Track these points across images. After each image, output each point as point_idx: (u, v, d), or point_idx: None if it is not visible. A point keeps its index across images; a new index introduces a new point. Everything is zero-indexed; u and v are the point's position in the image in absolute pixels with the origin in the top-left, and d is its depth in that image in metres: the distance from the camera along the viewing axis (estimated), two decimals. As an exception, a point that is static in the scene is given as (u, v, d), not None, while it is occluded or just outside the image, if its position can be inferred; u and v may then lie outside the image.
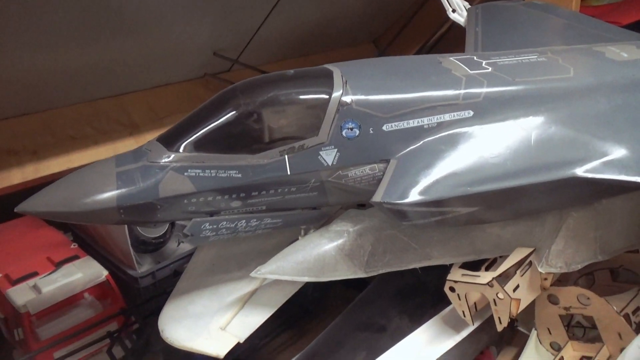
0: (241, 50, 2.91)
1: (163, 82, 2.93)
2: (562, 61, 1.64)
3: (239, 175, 1.38)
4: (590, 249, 1.67)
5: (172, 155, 1.38)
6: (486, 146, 1.44)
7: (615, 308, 1.66)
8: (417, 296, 1.83)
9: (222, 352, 1.50)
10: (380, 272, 1.60)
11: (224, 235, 1.49)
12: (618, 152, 1.44)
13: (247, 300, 1.65)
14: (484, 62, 1.59)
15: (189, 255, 2.13)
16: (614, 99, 1.57)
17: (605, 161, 1.42)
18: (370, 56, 3.33)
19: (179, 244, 2.44)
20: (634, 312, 1.71)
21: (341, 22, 3.25)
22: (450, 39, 3.20)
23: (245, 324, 1.60)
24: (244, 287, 1.68)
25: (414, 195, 1.37)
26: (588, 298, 1.68)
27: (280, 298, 1.67)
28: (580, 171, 1.40)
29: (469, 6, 2.53)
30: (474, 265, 1.72)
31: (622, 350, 1.60)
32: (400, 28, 3.49)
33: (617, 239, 1.71)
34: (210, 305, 1.64)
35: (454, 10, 2.37)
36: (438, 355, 1.66)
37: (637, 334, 1.62)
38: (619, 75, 1.63)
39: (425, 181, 1.39)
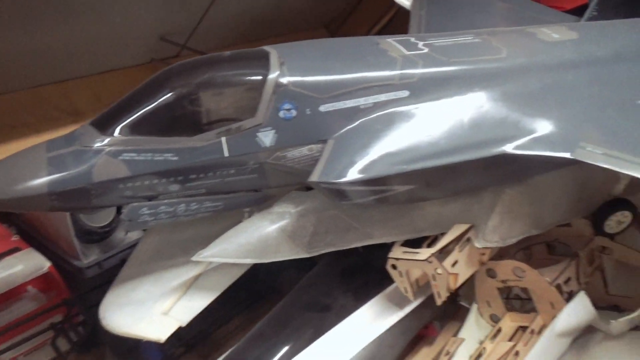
0: (189, 35, 2.86)
1: (108, 67, 2.84)
2: (495, 42, 1.69)
3: (176, 158, 1.38)
4: (524, 223, 1.75)
5: (106, 139, 1.36)
6: (421, 125, 1.47)
7: (547, 279, 1.75)
8: (361, 275, 1.87)
9: (164, 336, 1.50)
10: (323, 251, 1.63)
11: (163, 219, 1.48)
12: (546, 130, 1.51)
13: (190, 285, 1.65)
14: (420, 43, 1.62)
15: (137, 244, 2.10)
16: (544, 78, 1.63)
17: (533, 138, 1.48)
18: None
19: (126, 232, 2.40)
20: (565, 282, 1.81)
21: (293, 6, 3.24)
22: (400, 21, 3.24)
23: (188, 308, 1.60)
24: (187, 272, 1.68)
25: (351, 174, 1.40)
26: (523, 271, 1.76)
27: (225, 281, 1.68)
28: (510, 148, 1.46)
29: (415, -10, 2.57)
30: (416, 243, 1.77)
31: (554, 318, 1.70)
32: (349, 11, 3.50)
33: (550, 214, 1.80)
34: (153, 291, 1.63)
35: (399, -7, 2.41)
36: (382, 331, 1.71)
37: (567, 302, 1.72)
38: (549, 55, 1.70)
39: (362, 160, 1.42)
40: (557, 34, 1.77)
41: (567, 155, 1.42)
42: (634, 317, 1.72)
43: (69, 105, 2.71)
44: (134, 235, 2.37)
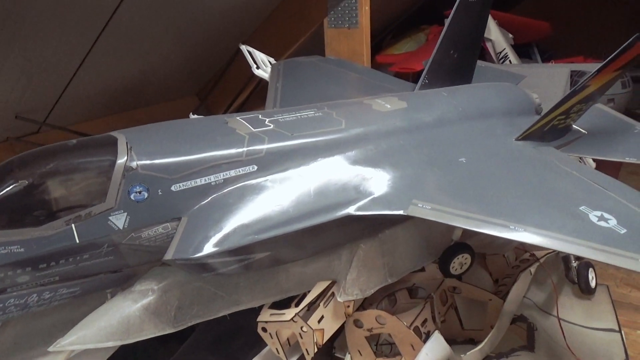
0: (48, 112, 2.79)
1: (-39, 148, 2.69)
2: (335, 115, 1.89)
3: (22, 250, 1.35)
4: (380, 274, 1.91)
5: None
6: (271, 196, 1.59)
7: (405, 323, 1.91)
8: (235, 341, 1.91)
9: None
10: (190, 324, 1.65)
11: (13, 313, 1.42)
12: (383, 191, 1.70)
13: (51, 378, 1.58)
14: (267, 120, 1.77)
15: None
16: (379, 144, 1.84)
17: (372, 199, 1.66)
18: (193, 108, 3.43)
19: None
20: (422, 324, 1.99)
21: (161, 77, 3.30)
22: (266, 87, 3.45)
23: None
24: (48, 364, 1.60)
25: (206, 249, 1.46)
26: (384, 318, 1.90)
27: (90, 367, 1.62)
28: (352, 209, 1.62)
29: (274, 62, 2.77)
30: (286, 303, 1.86)
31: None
32: (217, 79, 3.63)
33: (402, 262, 1.99)
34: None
35: (258, 67, 2.58)
36: (257, 398, 1.74)
37: (425, 343, 1.88)
38: (383, 124, 1.93)
39: (216, 234, 1.49)
40: (389, 104, 2.02)
41: (401, 212, 1.60)
42: (482, 347, 1.93)
43: None
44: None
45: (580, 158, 2.56)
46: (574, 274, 2.51)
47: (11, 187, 1.38)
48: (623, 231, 1.51)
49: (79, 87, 2.75)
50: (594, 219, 1.56)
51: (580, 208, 1.61)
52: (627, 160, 2.17)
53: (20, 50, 2.38)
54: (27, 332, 1.75)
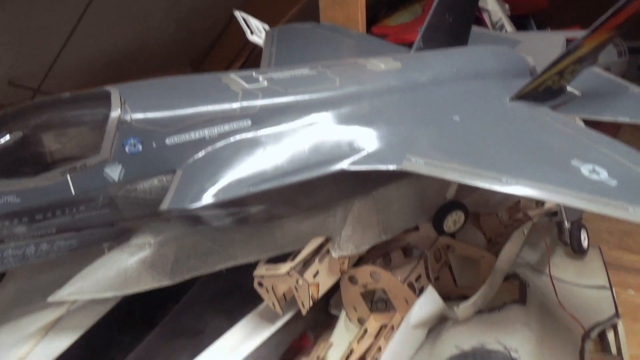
0: (42, 79, 2.78)
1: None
2: (329, 73, 1.89)
3: (18, 200, 1.36)
4: (374, 231, 1.94)
5: None
6: (265, 150, 1.61)
7: (399, 278, 1.95)
8: (232, 297, 1.94)
9: None
10: (187, 277, 1.68)
11: (10, 263, 1.44)
12: (377, 146, 1.72)
13: (50, 328, 1.61)
14: (260, 76, 1.77)
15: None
16: (373, 102, 1.85)
17: (366, 154, 1.68)
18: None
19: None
20: (416, 280, 2.02)
21: (154, 45, 3.28)
22: (259, 54, 3.44)
23: (48, 351, 1.55)
24: (46, 316, 1.64)
25: (203, 200, 1.48)
26: (378, 273, 1.94)
27: (87, 321, 1.66)
28: (346, 164, 1.64)
29: (268, 28, 2.76)
30: (282, 260, 1.88)
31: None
32: (210, 48, 3.61)
33: (396, 220, 2.01)
34: (9, 339, 1.56)
35: (252, 32, 2.57)
36: (255, 347, 1.78)
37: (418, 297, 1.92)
38: (378, 83, 1.93)
39: (212, 186, 1.51)
40: (384, 65, 2.02)
41: (394, 167, 1.62)
42: (474, 300, 1.97)
43: None
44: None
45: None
46: (566, 236, 2.55)
47: (6, 137, 1.39)
48: (614, 183, 1.54)
49: (72, 55, 2.74)
50: (586, 172, 1.58)
51: (572, 162, 1.63)
52: (620, 119, 2.19)
53: (11, 15, 2.36)
54: (26, 288, 1.79)
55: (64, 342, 1.59)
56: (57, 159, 1.42)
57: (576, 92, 2.34)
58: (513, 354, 1.66)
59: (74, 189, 1.41)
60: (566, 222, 2.53)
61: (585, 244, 2.58)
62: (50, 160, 1.42)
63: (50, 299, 1.50)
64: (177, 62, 3.66)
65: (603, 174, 1.57)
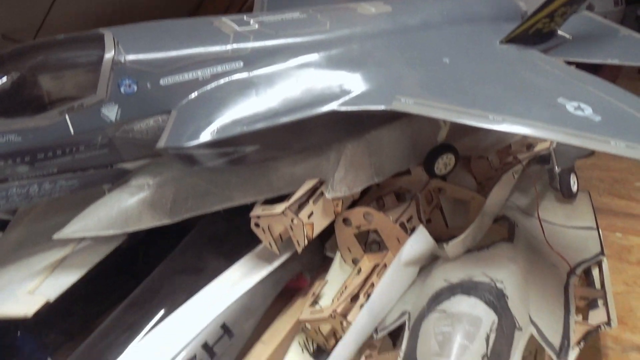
0: (35, 32, 2.78)
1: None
2: (320, 17, 1.90)
3: (19, 139, 1.42)
4: (367, 172, 2.00)
5: None
6: (257, 91, 1.65)
7: (391, 218, 2.02)
8: (231, 239, 2.01)
9: (30, 311, 1.53)
10: (185, 217, 1.75)
11: (16, 202, 1.51)
12: (367, 87, 1.75)
13: (57, 265, 1.69)
14: (252, 20, 1.79)
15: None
16: (364, 45, 1.88)
17: (357, 95, 1.72)
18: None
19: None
20: (408, 221, 2.09)
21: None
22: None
23: (56, 285, 1.63)
24: (52, 255, 1.71)
25: (197, 138, 1.53)
26: (371, 215, 2.01)
27: (92, 258, 1.73)
28: (336, 105, 1.68)
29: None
30: (277, 202, 1.95)
31: (400, 251, 1.97)
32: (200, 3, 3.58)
33: (388, 162, 2.07)
34: (17, 276, 1.65)
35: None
36: (252, 284, 1.87)
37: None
38: (368, 26, 1.95)
39: (205, 125, 1.56)
40: (374, 8, 2.04)
41: (384, 107, 1.66)
42: (464, 237, 2.04)
43: None
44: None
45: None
46: (557, 182, 2.61)
47: (3, 78, 1.43)
48: (598, 118, 1.58)
49: (64, 8, 2.73)
50: (571, 109, 1.62)
51: (558, 99, 1.67)
52: (609, 61, 2.21)
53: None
54: (30, 233, 1.86)
55: (71, 277, 1.67)
56: (55, 99, 1.47)
57: (567, 36, 2.35)
58: (499, 285, 1.73)
59: (72, 128, 1.46)
60: (556, 167, 2.59)
61: (574, 188, 2.65)
62: (48, 101, 1.47)
63: (56, 236, 1.57)
64: (172, 14, 3.63)
65: (588, 111, 1.61)
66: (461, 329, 1.56)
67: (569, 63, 2.36)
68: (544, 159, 2.73)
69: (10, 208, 1.56)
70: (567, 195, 2.61)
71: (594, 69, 2.41)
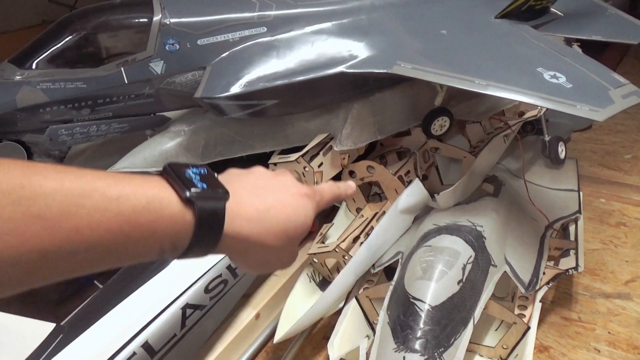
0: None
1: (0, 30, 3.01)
2: None
3: (84, 86, 1.73)
4: (371, 130, 2.28)
5: (25, 72, 1.68)
6: (278, 53, 1.94)
7: (391, 171, 2.31)
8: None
9: None
10: (214, 159, 2.07)
11: (79, 139, 1.83)
12: (372, 53, 2.02)
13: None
14: None
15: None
16: (371, 16, 2.14)
17: (362, 59, 1.99)
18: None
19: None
20: (406, 174, 2.38)
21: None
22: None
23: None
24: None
25: (227, 91, 1.84)
26: (373, 168, 2.30)
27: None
28: (344, 67, 1.96)
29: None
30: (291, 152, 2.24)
31: (397, 199, 2.26)
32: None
33: (390, 122, 2.35)
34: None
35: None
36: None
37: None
38: None
39: (234, 81, 1.86)
40: None
41: (385, 70, 1.93)
42: (454, 189, 2.32)
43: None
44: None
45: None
46: (547, 150, 2.87)
47: (73, 35, 1.75)
48: (569, 86, 1.84)
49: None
50: (547, 77, 1.88)
51: (538, 69, 1.92)
52: (594, 38, 2.44)
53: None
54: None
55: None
56: (112, 54, 1.78)
57: (559, 13, 2.58)
58: (478, 228, 2.02)
59: (126, 78, 1.77)
60: (546, 135, 2.85)
61: (562, 155, 2.91)
62: (107, 55, 1.78)
63: (109, 170, 1.89)
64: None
65: (562, 79, 1.87)
66: (442, 259, 1.85)
67: (572, 40, 2.59)
68: (540, 131, 2.97)
69: (74, 144, 1.88)
70: (555, 162, 2.86)
71: (601, 48, 2.58)
